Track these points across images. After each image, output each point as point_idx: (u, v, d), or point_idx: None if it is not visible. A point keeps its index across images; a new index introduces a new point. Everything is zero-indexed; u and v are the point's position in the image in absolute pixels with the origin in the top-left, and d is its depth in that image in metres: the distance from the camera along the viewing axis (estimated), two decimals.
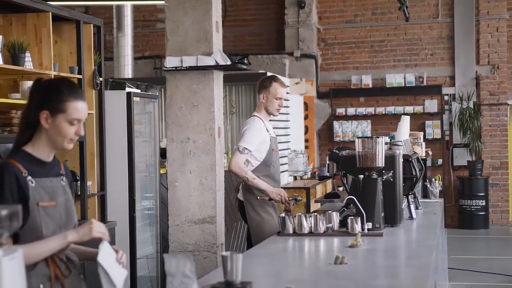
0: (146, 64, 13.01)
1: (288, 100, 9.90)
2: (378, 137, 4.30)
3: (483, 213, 12.04)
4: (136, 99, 6.58)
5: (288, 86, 9.97)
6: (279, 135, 6.43)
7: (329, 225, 4.16)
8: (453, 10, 12.52)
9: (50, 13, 5.65)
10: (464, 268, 8.70)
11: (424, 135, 10.37)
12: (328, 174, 9.71)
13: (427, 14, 12.67)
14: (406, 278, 3.21)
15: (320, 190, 9.76)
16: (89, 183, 6.12)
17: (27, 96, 5.36)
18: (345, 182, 4.67)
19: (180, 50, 5.01)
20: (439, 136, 12.42)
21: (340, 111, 12.73)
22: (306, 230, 4.13)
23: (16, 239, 2.60)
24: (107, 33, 11.44)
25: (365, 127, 12.63)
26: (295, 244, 4.01)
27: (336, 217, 4.21)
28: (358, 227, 4.09)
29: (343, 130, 12.70)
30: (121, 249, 2.82)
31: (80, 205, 5.86)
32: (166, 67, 5.03)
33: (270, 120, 5.53)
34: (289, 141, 10.28)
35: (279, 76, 5.82)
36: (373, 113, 12.59)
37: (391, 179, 4.41)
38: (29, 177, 2.65)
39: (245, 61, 5.16)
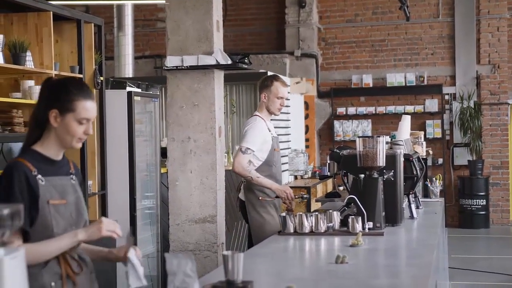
0: (147, 63, 13.02)
1: (289, 99, 9.90)
2: (379, 137, 4.29)
3: (483, 212, 12.04)
4: (136, 98, 6.58)
5: (289, 86, 9.96)
6: (279, 134, 6.43)
7: (330, 224, 4.16)
8: (454, 10, 12.52)
9: (51, 12, 5.65)
10: (465, 268, 8.70)
11: (425, 135, 10.36)
12: (328, 174, 9.72)
13: (428, 13, 12.67)
14: (407, 278, 3.22)
15: (320, 189, 9.76)
16: (90, 182, 6.12)
17: (28, 95, 5.42)
18: (345, 181, 4.67)
19: (180, 49, 5.02)
20: (439, 136, 12.42)
21: (341, 110, 12.73)
22: (307, 229, 4.13)
23: (27, 237, 2.61)
24: (108, 32, 11.43)
25: (365, 126, 12.63)
26: (296, 244, 4.01)
27: (337, 217, 4.21)
28: (359, 227, 4.09)
29: (343, 129, 12.70)
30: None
31: None
32: (167, 67, 5.03)
33: (271, 120, 5.52)
34: (290, 141, 10.28)
35: (280, 76, 5.82)
36: (374, 112, 12.59)
37: (392, 179, 4.41)
38: (39, 176, 2.66)
39: (245, 60, 5.16)
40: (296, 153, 9.93)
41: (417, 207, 5.21)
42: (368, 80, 12.65)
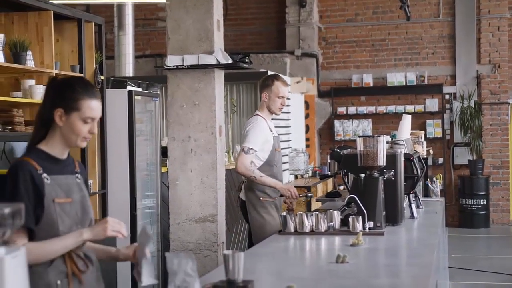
0: (147, 62, 13.02)
1: (289, 99, 9.90)
2: (379, 136, 4.29)
3: (483, 212, 12.04)
4: (137, 97, 6.58)
5: (289, 85, 9.96)
6: (279, 134, 6.43)
7: (330, 224, 4.16)
8: (454, 9, 12.52)
9: (52, 11, 5.65)
10: (465, 267, 8.70)
11: (425, 134, 10.36)
12: (329, 173, 9.72)
13: (428, 13, 12.66)
14: (407, 277, 3.21)
15: (321, 188, 9.76)
16: (90, 181, 6.12)
17: (29, 94, 5.42)
18: (346, 181, 4.67)
19: (181, 48, 5.02)
20: (440, 135, 12.42)
21: (341, 110, 12.73)
22: (307, 228, 4.13)
23: (32, 235, 2.62)
24: (108, 31, 11.44)
25: (366, 126, 12.63)
26: (296, 243, 4.01)
27: (337, 216, 4.21)
28: (359, 226, 4.09)
29: (344, 129, 12.70)
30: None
31: None
32: (167, 66, 5.03)
33: (271, 119, 5.51)
34: (290, 140, 10.28)
35: (281, 75, 5.81)
36: (374, 112, 12.59)
37: (392, 178, 4.41)
38: (44, 174, 2.68)
39: (246, 60, 5.16)
40: (297, 152, 9.93)
41: (418, 207, 5.20)
42: (368, 79, 12.65)
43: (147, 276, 2.73)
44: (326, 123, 12.87)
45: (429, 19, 12.65)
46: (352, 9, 12.88)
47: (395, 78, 12.53)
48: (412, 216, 4.89)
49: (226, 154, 7.84)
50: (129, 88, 7.19)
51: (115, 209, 6.36)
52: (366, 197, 4.20)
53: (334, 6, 12.94)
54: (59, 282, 2.66)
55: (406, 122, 5.90)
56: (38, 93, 5.42)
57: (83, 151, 5.94)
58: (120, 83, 7.71)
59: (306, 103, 12.10)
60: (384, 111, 12.53)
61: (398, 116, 11.46)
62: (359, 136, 4.37)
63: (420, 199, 5.45)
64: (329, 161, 5.34)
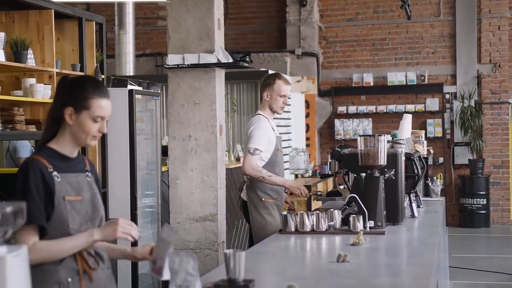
0: (148, 61, 13.02)
1: (290, 98, 9.91)
2: (380, 135, 4.29)
3: (484, 211, 12.04)
4: (137, 96, 6.58)
5: (291, 84, 9.97)
6: (280, 133, 6.43)
7: (331, 223, 4.16)
8: (455, 9, 12.51)
9: (53, 10, 5.65)
10: (465, 267, 8.70)
11: (425, 134, 10.37)
12: (329, 172, 9.71)
13: (429, 12, 12.66)
14: (408, 277, 3.21)
15: (321, 188, 9.77)
16: None
17: (29, 93, 5.42)
18: (347, 180, 4.67)
19: (182, 47, 5.02)
20: (440, 135, 12.42)
21: (342, 109, 12.73)
22: (308, 228, 4.13)
23: (44, 233, 2.63)
24: (109, 30, 11.43)
25: (366, 125, 12.63)
26: (297, 242, 4.01)
27: (338, 215, 4.21)
28: (360, 225, 4.09)
29: (344, 128, 12.70)
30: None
31: None
32: (168, 65, 5.03)
33: (273, 118, 5.49)
34: (290, 139, 10.28)
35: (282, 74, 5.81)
36: (374, 111, 12.59)
37: (393, 177, 4.41)
38: (55, 172, 2.69)
39: (246, 59, 5.16)
40: (297, 151, 9.94)
41: (418, 206, 5.21)
42: (369, 79, 12.65)
43: (167, 272, 2.70)
44: (326, 122, 12.86)
45: (429, 19, 12.65)
46: (353, 8, 12.88)
47: (396, 77, 12.53)
48: (412, 216, 4.89)
49: (227, 153, 7.84)
50: (129, 87, 7.18)
51: (116, 208, 6.36)
52: (366, 197, 4.20)
53: (335, 5, 12.94)
54: (70, 280, 2.68)
55: (407, 121, 5.90)
56: (39, 91, 5.42)
57: (83, 150, 5.94)
58: (120, 82, 7.69)
59: (307, 102, 12.10)
60: (385, 111, 12.53)
61: (398, 115, 11.46)
62: (360, 136, 4.37)
63: (421, 199, 5.45)
64: (329, 160, 5.32)
